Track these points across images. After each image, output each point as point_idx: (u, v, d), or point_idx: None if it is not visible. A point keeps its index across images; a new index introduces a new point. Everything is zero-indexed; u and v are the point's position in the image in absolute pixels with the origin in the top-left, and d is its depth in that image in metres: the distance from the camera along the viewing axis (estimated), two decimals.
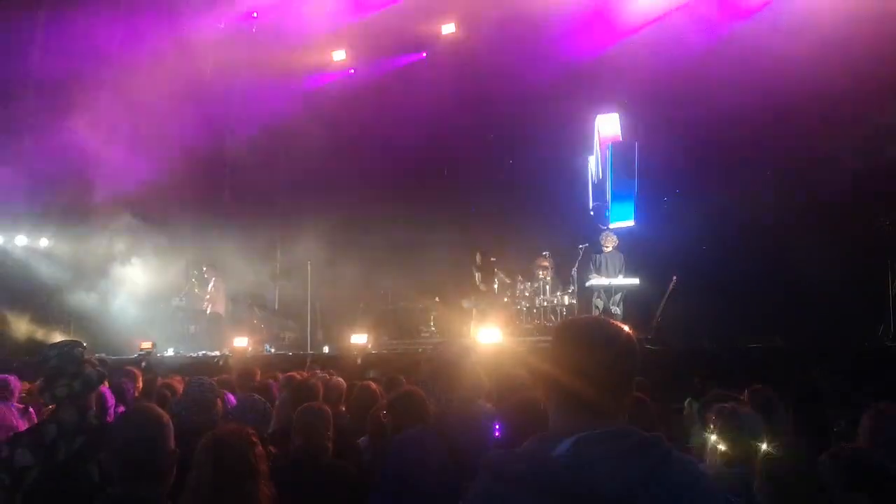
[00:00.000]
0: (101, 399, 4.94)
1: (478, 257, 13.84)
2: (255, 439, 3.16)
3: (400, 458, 3.78)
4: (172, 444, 2.57)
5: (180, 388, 6.24)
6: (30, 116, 16.09)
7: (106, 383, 4.44)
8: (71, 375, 3.55)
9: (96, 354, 4.11)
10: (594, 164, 14.54)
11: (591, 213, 14.30)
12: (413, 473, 3.77)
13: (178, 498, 2.77)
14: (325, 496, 3.81)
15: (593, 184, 14.56)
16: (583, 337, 2.00)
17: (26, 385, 6.45)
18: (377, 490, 3.87)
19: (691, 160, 13.16)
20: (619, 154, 13.60)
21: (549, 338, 2.09)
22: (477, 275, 13.98)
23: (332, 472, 4.03)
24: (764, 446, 3.18)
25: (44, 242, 16.22)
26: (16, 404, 5.80)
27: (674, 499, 1.84)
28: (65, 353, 3.63)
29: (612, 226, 13.25)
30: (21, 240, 16.10)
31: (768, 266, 11.15)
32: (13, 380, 6.36)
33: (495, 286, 13.80)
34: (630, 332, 2.01)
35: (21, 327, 14.63)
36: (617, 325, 2.07)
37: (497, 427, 4.20)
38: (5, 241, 15.95)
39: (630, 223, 13.48)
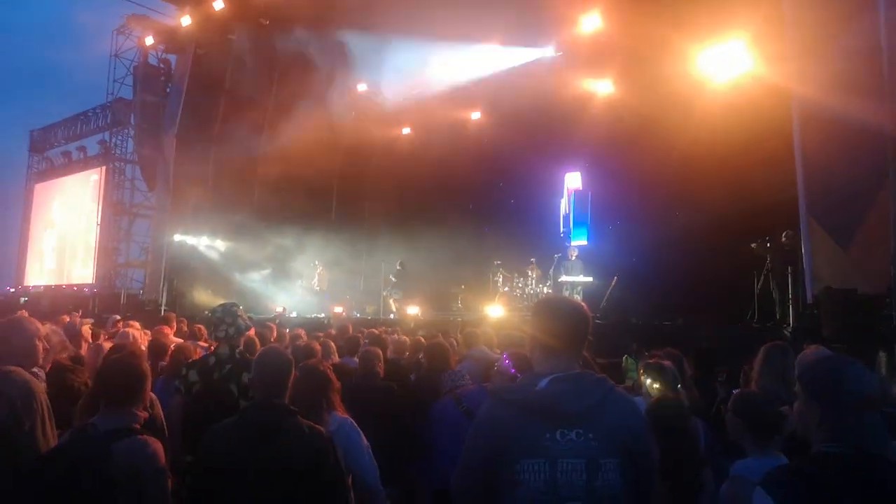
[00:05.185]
0: (251, 342, 4.91)
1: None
2: (329, 368, 3.16)
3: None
4: (293, 371, 2.55)
5: (304, 336, 6.21)
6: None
7: (253, 331, 4.39)
8: (228, 324, 3.54)
9: (247, 313, 4.02)
10: (564, 204, 14.44)
11: (562, 235, 14.15)
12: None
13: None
14: (375, 402, 3.78)
15: (564, 216, 14.43)
16: (554, 309, 1.94)
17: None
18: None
19: (627, 201, 12.92)
20: (579, 198, 13.93)
21: (532, 311, 2.02)
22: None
23: (381, 388, 4.06)
24: (656, 386, 3.11)
25: (218, 243, 16.39)
26: (202, 343, 5.64)
27: (616, 416, 1.79)
28: (226, 309, 3.62)
29: (573, 243, 13.07)
30: (204, 241, 16.25)
31: (678, 271, 10.89)
32: (200, 326, 6.29)
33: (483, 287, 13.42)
34: (584, 306, 1.94)
35: (201, 295, 14.79)
36: (576, 301, 2.02)
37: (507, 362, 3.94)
38: (195, 242, 16.13)
39: (584, 242, 13.48)
